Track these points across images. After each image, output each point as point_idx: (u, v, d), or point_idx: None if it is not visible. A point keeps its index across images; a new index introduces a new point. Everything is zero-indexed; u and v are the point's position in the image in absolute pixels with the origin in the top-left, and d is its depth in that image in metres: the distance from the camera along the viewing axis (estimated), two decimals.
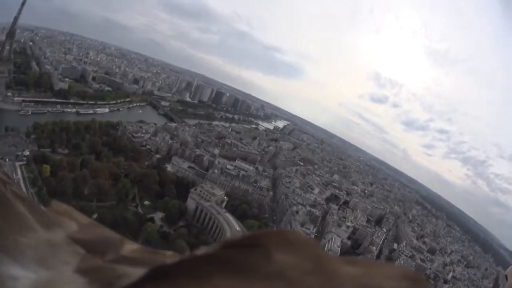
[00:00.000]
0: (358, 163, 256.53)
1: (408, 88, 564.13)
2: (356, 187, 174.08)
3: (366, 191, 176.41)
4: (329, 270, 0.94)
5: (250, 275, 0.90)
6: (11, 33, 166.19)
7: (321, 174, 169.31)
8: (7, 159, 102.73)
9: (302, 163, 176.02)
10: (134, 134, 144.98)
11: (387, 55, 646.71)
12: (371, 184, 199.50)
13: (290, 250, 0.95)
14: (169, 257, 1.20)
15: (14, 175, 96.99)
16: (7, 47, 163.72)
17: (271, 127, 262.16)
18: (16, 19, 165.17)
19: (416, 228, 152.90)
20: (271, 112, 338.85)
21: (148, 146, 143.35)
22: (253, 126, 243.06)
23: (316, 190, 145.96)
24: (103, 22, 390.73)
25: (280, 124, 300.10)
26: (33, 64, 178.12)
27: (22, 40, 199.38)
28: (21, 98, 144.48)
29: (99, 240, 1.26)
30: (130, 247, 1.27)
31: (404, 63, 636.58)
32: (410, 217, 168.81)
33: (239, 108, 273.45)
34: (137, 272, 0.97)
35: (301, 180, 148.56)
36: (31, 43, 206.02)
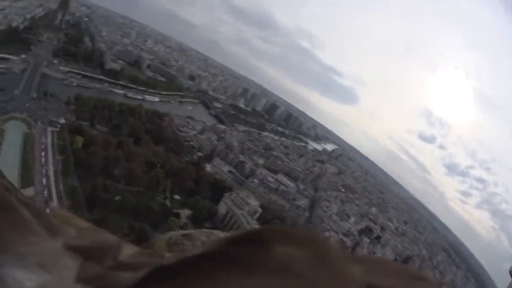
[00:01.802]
0: (397, 200, 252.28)
1: (455, 131, 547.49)
2: (390, 224, 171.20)
3: (399, 229, 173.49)
4: (334, 265, 0.97)
5: (254, 269, 0.92)
6: (64, 3, 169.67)
7: (360, 204, 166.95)
8: (39, 122, 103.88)
9: (343, 190, 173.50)
10: (180, 127, 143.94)
11: (439, 93, 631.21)
12: (405, 223, 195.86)
13: (294, 245, 0.97)
14: (168, 259, 1.20)
15: (43, 138, 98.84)
16: (59, 16, 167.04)
17: (320, 149, 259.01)
18: None
19: (437, 276, 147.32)
20: (322, 133, 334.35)
21: (192, 143, 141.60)
22: (302, 144, 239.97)
23: (352, 220, 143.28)
24: (165, 13, 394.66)
25: (329, 147, 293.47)
26: (86, 39, 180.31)
27: (78, 14, 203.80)
28: (68, 69, 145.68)
29: (97, 246, 1.29)
30: (128, 251, 1.30)
31: (455, 104, 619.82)
32: (435, 263, 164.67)
33: (291, 123, 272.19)
34: (134, 277, 1.00)
35: (340, 207, 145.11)
36: (86, 18, 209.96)
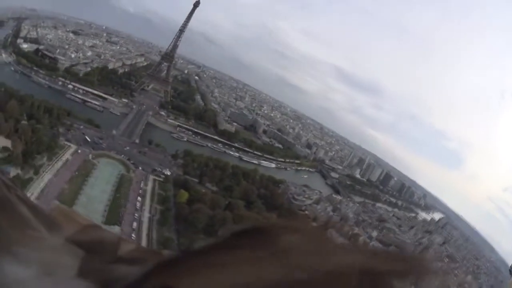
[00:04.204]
0: (488, 264, 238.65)
1: None
2: None
3: None
4: (333, 253, 1.08)
5: (258, 256, 1.03)
6: (168, 56, 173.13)
7: (458, 274, 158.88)
8: (140, 167, 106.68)
9: (446, 260, 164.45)
10: (295, 196, 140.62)
11: None
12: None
13: (295, 233, 1.08)
14: (166, 255, 1.31)
15: (142, 184, 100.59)
16: (165, 70, 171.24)
17: (428, 218, 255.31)
18: (175, 45, 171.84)
19: None
20: (431, 202, 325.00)
21: (306, 212, 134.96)
22: (413, 214, 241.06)
23: None
24: (278, 80, 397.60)
25: (436, 216, 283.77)
26: (197, 97, 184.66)
27: (186, 71, 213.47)
28: (177, 123, 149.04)
29: (98, 241, 1.37)
30: (127, 247, 1.38)
31: None
32: None
33: (403, 194, 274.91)
34: (136, 271, 1.06)
35: (441, 278, 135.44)
36: (196, 77, 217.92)
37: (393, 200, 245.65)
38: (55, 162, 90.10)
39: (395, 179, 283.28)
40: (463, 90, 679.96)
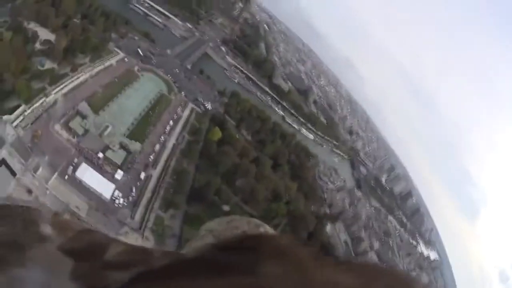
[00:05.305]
0: None
1: None
2: None
3: None
4: (318, 283, 1.00)
5: (235, 282, 0.99)
6: None
7: None
8: (183, 93, 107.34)
9: None
10: (321, 176, 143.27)
11: None
12: None
13: (279, 259, 1.02)
14: (158, 257, 1.30)
15: (179, 109, 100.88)
16: (238, 9, 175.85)
17: (425, 254, 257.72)
18: None
19: None
20: (433, 239, 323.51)
21: (325, 195, 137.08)
22: (414, 243, 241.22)
23: None
24: (344, 58, 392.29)
25: (432, 255, 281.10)
26: (261, 45, 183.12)
27: (258, 18, 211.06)
28: (234, 62, 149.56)
29: (88, 247, 1.40)
30: (118, 248, 1.39)
31: None
32: None
33: (415, 218, 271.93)
34: (123, 277, 1.08)
35: None
36: (266, 26, 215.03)
37: (404, 220, 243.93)
38: (97, 65, 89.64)
39: (414, 200, 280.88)
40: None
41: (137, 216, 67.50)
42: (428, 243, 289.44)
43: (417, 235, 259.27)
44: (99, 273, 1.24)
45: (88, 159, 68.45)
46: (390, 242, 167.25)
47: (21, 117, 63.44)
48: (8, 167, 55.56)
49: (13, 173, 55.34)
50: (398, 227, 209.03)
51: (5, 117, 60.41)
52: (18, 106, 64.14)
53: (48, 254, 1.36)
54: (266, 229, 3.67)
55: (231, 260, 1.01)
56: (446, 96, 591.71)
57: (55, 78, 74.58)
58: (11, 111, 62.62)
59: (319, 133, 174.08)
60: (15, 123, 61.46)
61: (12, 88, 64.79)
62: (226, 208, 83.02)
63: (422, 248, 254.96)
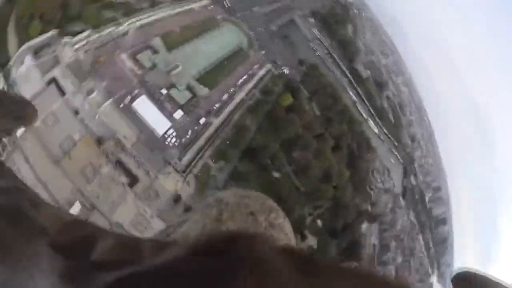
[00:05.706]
0: None
1: None
2: None
3: None
4: None
5: None
6: None
7: None
8: (263, 52, 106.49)
9: None
10: (374, 172, 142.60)
11: None
12: None
13: (254, 270, 0.98)
14: (149, 254, 1.26)
15: (256, 67, 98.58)
16: None
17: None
18: None
19: None
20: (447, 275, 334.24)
21: (373, 193, 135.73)
22: (430, 271, 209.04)
23: None
24: (420, 63, 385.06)
25: None
26: (349, 26, 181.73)
27: (351, 0, 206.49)
28: (319, 36, 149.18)
29: (77, 243, 1.38)
30: (108, 243, 1.35)
31: None
32: None
33: (441, 248, 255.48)
34: (110, 277, 1.09)
35: None
36: (356, 11, 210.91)
37: (431, 244, 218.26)
38: (178, 6, 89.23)
39: (446, 228, 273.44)
40: None
41: (185, 160, 66.71)
42: (441, 277, 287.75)
43: (435, 264, 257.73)
44: (87, 274, 1.22)
45: (149, 93, 67.68)
46: (412, 262, 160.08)
47: (84, 41, 62.26)
48: (58, 86, 55.67)
49: (63, 93, 55.54)
50: (423, 252, 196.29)
51: (65, 38, 59.90)
52: (82, 31, 63.17)
53: (37, 252, 1.32)
54: (278, 215, 3.25)
55: (205, 269, 1.00)
56: None
57: (130, 11, 74.05)
58: (74, 35, 61.85)
59: (384, 129, 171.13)
60: (76, 46, 60.71)
61: (77, 14, 64.35)
62: (276, 174, 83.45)
63: (434, 279, 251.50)
